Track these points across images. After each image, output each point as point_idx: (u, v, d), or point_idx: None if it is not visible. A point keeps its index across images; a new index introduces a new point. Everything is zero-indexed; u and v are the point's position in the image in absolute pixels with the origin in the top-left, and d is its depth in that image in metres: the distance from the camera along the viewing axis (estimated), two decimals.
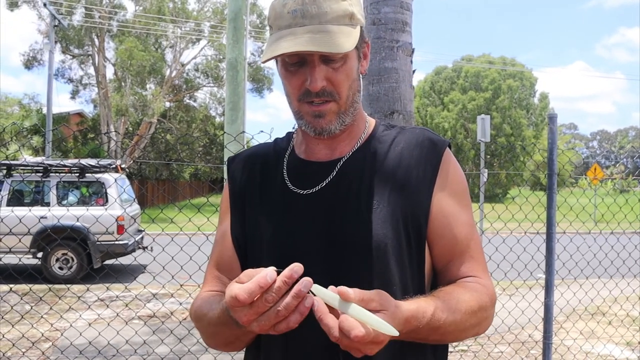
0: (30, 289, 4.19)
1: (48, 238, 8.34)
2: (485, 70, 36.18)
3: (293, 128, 1.86)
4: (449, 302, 1.00)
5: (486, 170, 11.74)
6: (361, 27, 1.07)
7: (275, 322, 0.83)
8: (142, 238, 9.75)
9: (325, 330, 0.82)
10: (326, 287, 0.85)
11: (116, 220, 8.69)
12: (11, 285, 4.36)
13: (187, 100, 29.43)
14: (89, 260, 8.73)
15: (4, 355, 4.18)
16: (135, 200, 10.81)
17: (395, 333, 0.84)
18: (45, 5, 20.43)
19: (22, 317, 4.25)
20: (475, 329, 1.06)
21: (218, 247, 1.19)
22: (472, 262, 1.09)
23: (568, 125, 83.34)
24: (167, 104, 27.83)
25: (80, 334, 4.23)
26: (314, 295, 0.84)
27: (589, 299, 5.45)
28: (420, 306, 0.94)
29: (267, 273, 0.82)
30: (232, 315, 0.88)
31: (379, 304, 0.86)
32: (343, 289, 0.83)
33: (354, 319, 0.82)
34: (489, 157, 32.92)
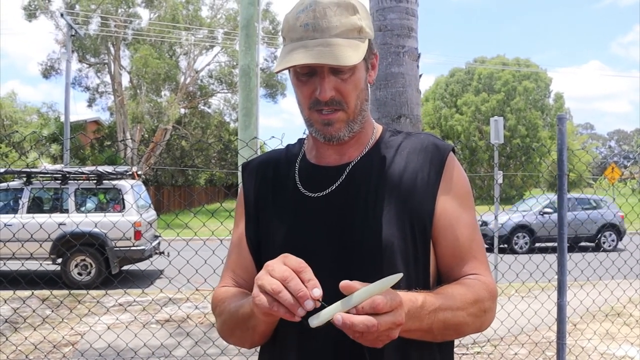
0: (51, 292, 4.30)
1: (67, 244, 8.51)
2: (499, 71, 35.99)
3: (304, 133, 1.94)
4: (442, 292, 1.06)
5: (501, 172, 11.69)
6: (369, 40, 1.14)
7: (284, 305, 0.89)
8: (158, 243, 9.89)
9: (362, 329, 0.87)
10: (335, 285, 0.90)
11: (133, 226, 8.84)
12: (33, 290, 4.49)
13: (202, 107, 29.70)
14: (107, 266, 8.88)
15: (26, 357, 4.29)
16: (152, 206, 10.97)
17: (400, 274, 0.90)
18: (62, 15, 20.82)
19: (43, 320, 4.36)
20: (475, 322, 1.09)
21: (234, 249, 1.27)
22: (474, 261, 1.15)
23: (584, 125, 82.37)
24: (182, 111, 28.10)
25: (100, 337, 4.34)
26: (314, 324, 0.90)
27: (602, 299, 5.43)
28: (408, 293, 1.00)
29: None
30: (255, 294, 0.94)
31: (387, 296, 0.91)
32: (344, 282, 0.89)
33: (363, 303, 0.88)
34: (503, 158, 32.68)
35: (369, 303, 0.87)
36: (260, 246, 1.21)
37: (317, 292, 0.89)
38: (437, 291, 1.07)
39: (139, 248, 8.95)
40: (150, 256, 9.22)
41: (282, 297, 0.88)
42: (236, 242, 1.26)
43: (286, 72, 1.14)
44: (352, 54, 1.06)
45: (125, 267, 9.23)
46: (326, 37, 1.07)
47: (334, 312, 0.88)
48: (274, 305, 0.90)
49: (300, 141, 1.31)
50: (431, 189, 1.14)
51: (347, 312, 0.88)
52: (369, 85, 1.17)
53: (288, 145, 1.33)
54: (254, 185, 1.27)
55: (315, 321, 0.89)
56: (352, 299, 0.88)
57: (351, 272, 1.05)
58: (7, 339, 4.62)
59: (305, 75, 1.11)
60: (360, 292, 0.89)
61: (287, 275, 0.90)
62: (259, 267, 1.20)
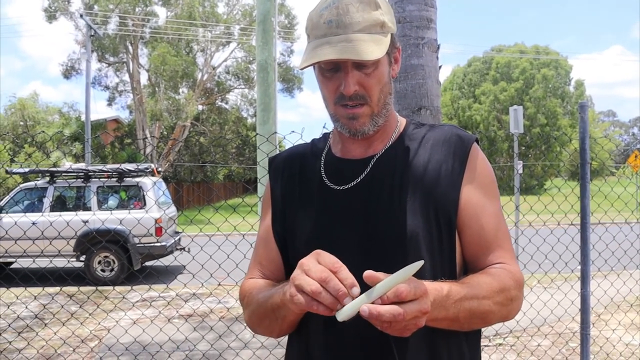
0: (78, 289, 4.39)
1: (91, 241, 8.66)
2: (516, 60, 35.53)
3: (324, 127, 1.95)
4: (468, 282, 1.07)
5: (521, 162, 11.56)
6: (392, 34, 1.16)
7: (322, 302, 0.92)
8: (179, 239, 10.01)
9: (389, 319, 0.88)
10: (361, 276, 0.91)
11: (155, 222, 8.96)
12: (60, 287, 4.59)
13: (219, 103, 29.87)
14: (130, 262, 9.02)
15: (55, 352, 4.39)
16: (172, 202, 11.10)
17: (421, 262, 0.92)
18: (81, 16, 21.09)
19: (71, 315, 4.46)
20: (501, 310, 1.10)
21: (261, 242, 1.29)
22: (499, 250, 1.15)
23: (606, 113, 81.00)
24: (200, 107, 28.32)
25: (126, 332, 4.42)
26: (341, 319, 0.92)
27: (627, 289, 5.37)
28: (434, 282, 1.01)
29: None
30: (291, 288, 0.96)
31: (411, 284, 0.92)
32: (368, 272, 0.91)
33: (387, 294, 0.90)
34: (523, 148, 32.32)
35: (393, 292, 0.88)
36: (287, 239, 1.23)
37: (356, 290, 0.91)
38: (462, 280, 1.08)
39: (160, 244, 9.08)
40: (172, 252, 9.34)
41: (322, 298, 0.91)
42: (263, 235, 1.29)
43: (305, 67, 1.16)
44: (375, 48, 1.08)
45: (148, 263, 9.36)
46: (349, 33, 1.08)
47: (360, 304, 0.90)
48: (314, 304, 0.92)
49: (326, 136, 1.33)
50: (455, 180, 1.15)
51: (372, 303, 0.89)
52: (392, 79, 1.19)
53: (313, 140, 1.35)
54: (280, 180, 1.29)
55: (342, 315, 0.91)
56: (375, 290, 0.90)
57: (376, 262, 1.06)
58: (37, 334, 4.73)
59: (330, 71, 1.13)
60: (384, 282, 0.90)
61: (326, 276, 0.92)
62: (285, 259, 1.24)
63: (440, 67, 3.17)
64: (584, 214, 3.56)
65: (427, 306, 0.91)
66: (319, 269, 0.93)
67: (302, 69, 1.13)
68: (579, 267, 3.58)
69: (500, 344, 5.02)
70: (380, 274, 0.91)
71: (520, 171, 10.83)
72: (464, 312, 1.03)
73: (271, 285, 1.18)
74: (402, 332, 0.93)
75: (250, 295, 1.20)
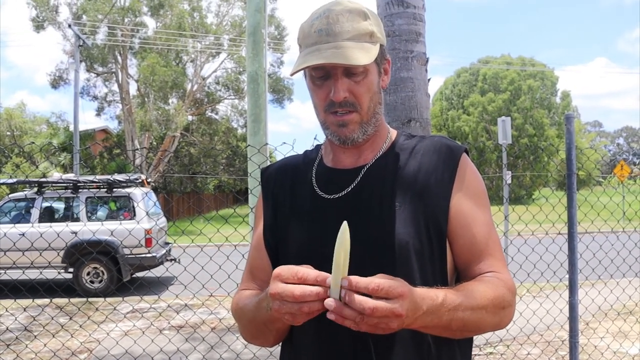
0: (69, 300, 4.37)
1: (80, 252, 8.60)
2: (504, 71, 35.92)
3: (315, 139, 1.99)
4: (463, 289, 1.08)
5: (509, 172, 11.66)
6: (382, 45, 1.19)
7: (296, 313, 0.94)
8: (170, 250, 9.97)
9: (357, 308, 0.89)
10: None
11: (145, 233, 8.93)
12: (49, 298, 4.56)
13: (209, 113, 29.84)
14: (119, 273, 8.97)
15: None
16: (162, 213, 11.07)
17: (344, 223, 0.95)
18: (69, 26, 21.05)
19: (62, 327, 4.43)
20: (494, 319, 1.11)
21: (253, 251, 1.32)
22: (490, 259, 1.17)
23: (592, 123, 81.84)
24: (190, 118, 28.25)
25: (117, 343, 4.41)
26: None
27: (614, 297, 5.44)
28: (430, 290, 1.02)
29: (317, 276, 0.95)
30: (269, 304, 1.00)
31: (386, 277, 0.94)
32: (352, 279, 0.92)
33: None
34: (512, 158, 32.59)
35: (368, 281, 0.90)
36: (279, 248, 1.26)
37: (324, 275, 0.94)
38: (457, 288, 1.09)
39: (150, 255, 9.04)
40: (162, 263, 9.30)
41: (306, 295, 0.93)
42: (255, 244, 1.31)
43: (295, 77, 1.21)
44: (363, 55, 1.11)
45: (140, 274, 9.30)
46: (339, 41, 1.12)
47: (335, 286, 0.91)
48: (301, 306, 0.94)
49: (318, 147, 1.35)
50: (445, 189, 1.17)
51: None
52: (382, 89, 1.22)
53: (306, 151, 1.38)
54: (272, 190, 1.32)
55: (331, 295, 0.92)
56: (331, 280, 0.92)
57: (367, 269, 1.06)
58: (26, 346, 4.69)
59: (320, 78, 1.16)
60: (335, 262, 0.92)
61: (302, 274, 0.95)
62: (275, 265, 1.24)
63: (429, 79, 3.23)
64: (571, 223, 3.62)
65: (400, 310, 0.91)
66: (291, 271, 0.96)
67: (292, 75, 1.16)
68: (567, 276, 3.63)
69: (490, 353, 5.06)
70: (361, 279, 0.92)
71: (509, 181, 10.92)
72: (457, 321, 1.04)
73: (259, 294, 1.18)
74: (372, 329, 0.93)
75: (240, 309, 1.22)
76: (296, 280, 0.94)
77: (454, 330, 1.06)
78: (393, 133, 1.29)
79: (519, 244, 4.54)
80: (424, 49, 3.16)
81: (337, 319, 0.91)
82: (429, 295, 1.00)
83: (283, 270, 0.97)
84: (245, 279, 1.31)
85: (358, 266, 1.11)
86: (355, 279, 0.91)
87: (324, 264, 0.99)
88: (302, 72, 1.18)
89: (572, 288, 3.63)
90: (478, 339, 4.78)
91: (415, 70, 3.08)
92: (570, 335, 3.67)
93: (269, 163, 5.67)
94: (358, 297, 0.90)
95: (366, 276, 0.94)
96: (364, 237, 1.15)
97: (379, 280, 0.91)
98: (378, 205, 1.17)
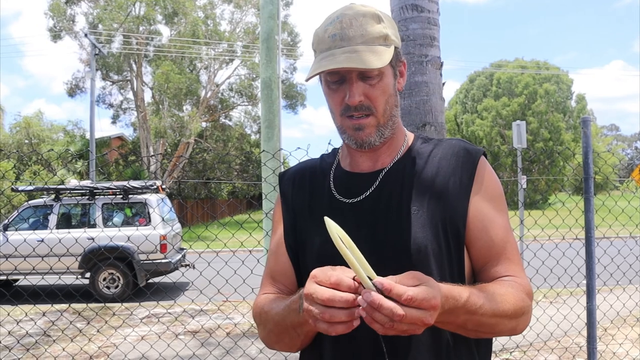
0: (87, 305, 4.42)
1: (97, 258, 8.68)
2: (518, 75, 35.70)
3: (329, 143, 2.00)
4: (485, 291, 1.07)
5: (524, 177, 11.57)
6: (396, 48, 1.19)
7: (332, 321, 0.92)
8: (184, 255, 10.04)
9: (388, 314, 0.88)
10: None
11: (160, 239, 9.00)
12: (67, 304, 4.62)
13: (223, 120, 30.02)
14: (135, 279, 9.04)
15: None
16: (177, 219, 11.15)
17: (325, 218, 0.95)
18: (86, 35, 21.32)
19: (79, 331, 4.48)
20: (512, 322, 1.10)
21: (273, 255, 1.31)
22: (508, 263, 1.17)
23: (609, 127, 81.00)
24: (204, 124, 28.46)
25: (134, 347, 4.44)
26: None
27: (633, 303, 5.36)
28: (455, 288, 1.02)
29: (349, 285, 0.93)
30: (302, 305, 0.98)
31: (416, 278, 0.93)
32: (380, 282, 0.91)
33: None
34: (527, 163, 32.33)
35: (403, 291, 0.88)
36: (299, 252, 1.25)
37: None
38: (479, 288, 1.08)
39: (165, 260, 9.10)
40: (177, 268, 9.36)
41: (336, 302, 0.92)
42: (274, 248, 1.31)
43: (307, 83, 1.21)
44: (377, 58, 1.11)
45: (155, 279, 9.36)
46: (353, 45, 1.12)
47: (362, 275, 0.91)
48: (327, 313, 0.92)
49: (335, 151, 1.35)
50: (464, 193, 1.17)
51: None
52: (397, 92, 1.22)
53: (322, 155, 1.38)
54: (291, 194, 1.31)
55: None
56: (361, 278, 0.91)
57: (386, 274, 1.05)
58: (45, 350, 4.75)
59: (336, 83, 1.16)
60: (354, 260, 0.91)
61: (336, 279, 0.94)
62: (297, 271, 1.26)
63: (444, 83, 3.23)
64: (588, 227, 3.59)
65: (430, 320, 0.91)
66: (326, 275, 0.95)
67: (307, 80, 1.16)
68: (585, 281, 3.60)
69: (507, 359, 5.01)
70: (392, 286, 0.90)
71: (524, 186, 10.84)
72: (473, 323, 1.04)
73: (285, 301, 1.17)
74: (398, 333, 0.92)
75: (265, 313, 1.19)
76: (329, 284, 0.93)
77: (468, 330, 1.07)
78: (410, 136, 1.29)
79: (535, 248, 4.51)
80: (439, 53, 3.16)
81: (367, 318, 0.90)
82: (453, 294, 0.99)
83: (318, 272, 0.96)
84: (265, 283, 1.30)
85: (378, 272, 1.11)
86: (390, 285, 0.89)
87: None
88: (317, 77, 1.18)
89: (590, 293, 3.59)
90: (494, 345, 4.74)
91: (430, 75, 3.07)
92: (588, 341, 3.63)
93: (282, 168, 5.70)
94: (388, 304, 0.88)
95: None
96: (383, 240, 1.15)
97: (413, 292, 0.89)
98: (396, 209, 1.17)
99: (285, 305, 1.12)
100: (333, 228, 0.94)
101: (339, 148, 1.35)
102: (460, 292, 1.01)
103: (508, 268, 1.16)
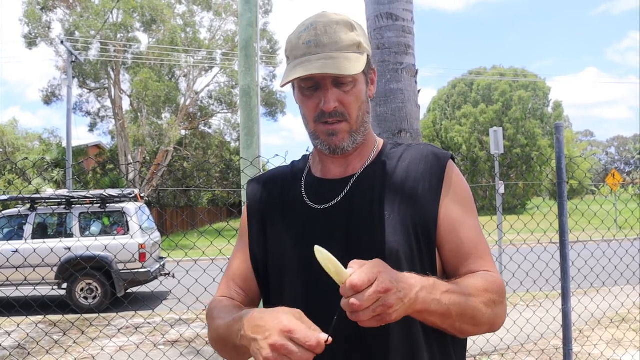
0: (63, 316, 4.36)
1: (73, 268, 8.55)
2: (495, 82, 36.23)
3: (307, 151, 2.02)
4: (458, 280, 1.11)
5: (502, 182, 11.73)
6: (368, 56, 1.22)
7: None
8: (164, 264, 9.94)
9: (349, 309, 0.92)
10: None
11: (139, 248, 8.90)
12: (43, 315, 4.54)
13: (202, 128, 29.88)
14: (113, 289, 8.92)
15: None
16: (156, 227, 11.04)
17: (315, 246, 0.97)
18: (62, 42, 21.07)
19: (55, 342, 4.41)
20: (488, 311, 1.10)
21: (235, 260, 1.32)
22: (480, 260, 1.19)
23: (584, 133, 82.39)
24: (183, 132, 28.27)
25: (112, 358, 4.38)
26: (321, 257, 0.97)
27: (607, 305, 5.46)
28: (419, 275, 1.04)
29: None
30: (240, 330, 1.01)
31: (376, 268, 0.96)
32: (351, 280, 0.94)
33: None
34: (504, 168, 32.76)
35: (350, 285, 0.92)
36: (268, 259, 1.26)
37: (323, 335, 0.93)
38: (451, 280, 1.12)
39: (144, 270, 9.00)
40: (156, 277, 9.25)
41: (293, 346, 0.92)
42: (237, 253, 1.32)
43: (287, 90, 1.23)
44: (352, 65, 1.14)
45: (134, 289, 9.25)
46: (327, 52, 1.14)
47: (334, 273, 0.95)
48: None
49: (305, 158, 1.37)
50: (433, 196, 1.19)
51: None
52: (369, 99, 1.24)
53: (293, 162, 1.39)
54: (260, 201, 1.32)
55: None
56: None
57: None
58: None
59: (310, 89, 1.18)
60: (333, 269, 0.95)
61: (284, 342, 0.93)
62: (257, 277, 1.27)
63: (419, 90, 3.27)
64: (562, 231, 3.66)
65: (385, 284, 0.93)
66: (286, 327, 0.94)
67: (282, 86, 1.17)
68: (560, 284, 3.66)
69: None
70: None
71: (502, 191, 10.98)
72: (455, 307, 1.05)
73: (235, 309, 1.17)
74: (380, 320, 0.94)
75: (212, 320, 1.20)
76: (307, 346, 0.93)
77: (453, 319, 1.07)
78: (380, 142, 1.32)
79: (511, 252, 4.57)
80: (414, 61, 3.21)
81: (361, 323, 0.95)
82: (417, 276, 1.03)
83: (298, 328, 0.95)
84: (222, 285, 1.30)
85: None
86: (342, 289, 0.93)
87: (315, 275, 1.01)
88: (290, 84, 1.20)
89: (565, 296, 3.66)
90: (472, 348, 4.78)
91: (405, 82, 3.11)
92: (564, 343, 3.69)
93: None
94: (343, 301, 0.93)
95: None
96: (355, 246, 1.16)
97: (354, 280, 0.92)
98: (368, 214, 1.19)
99: (229, 323, 1.10)
100: (324, 254, 0.97)
101: (309, 155, 1.37)
102: (426, 276, 1.05)
103: (480, 265, 1.18)
